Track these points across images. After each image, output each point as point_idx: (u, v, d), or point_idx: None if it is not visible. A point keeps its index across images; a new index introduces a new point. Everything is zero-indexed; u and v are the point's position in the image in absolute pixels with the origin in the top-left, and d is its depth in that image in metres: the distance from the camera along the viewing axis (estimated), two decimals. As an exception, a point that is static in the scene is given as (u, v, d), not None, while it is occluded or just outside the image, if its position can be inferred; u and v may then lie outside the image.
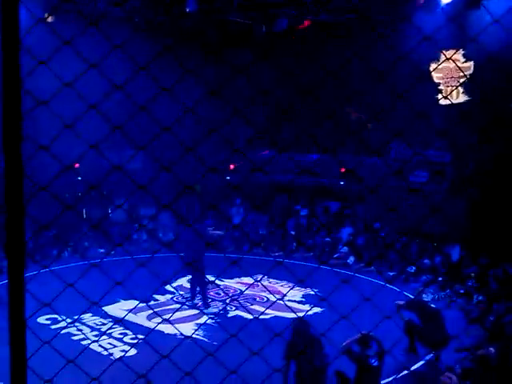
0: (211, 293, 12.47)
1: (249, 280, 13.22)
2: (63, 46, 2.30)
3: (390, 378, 8.14)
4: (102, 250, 15.42)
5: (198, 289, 11.64)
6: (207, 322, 10.60)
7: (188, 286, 12.86)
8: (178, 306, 11.52)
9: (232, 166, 18.69)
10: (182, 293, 12.33)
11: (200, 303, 11.69)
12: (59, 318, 10.07)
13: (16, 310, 1.75)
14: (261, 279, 12.93)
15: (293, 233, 17.24)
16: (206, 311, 11.27)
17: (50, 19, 14.61)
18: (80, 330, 9.96)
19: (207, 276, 11.75)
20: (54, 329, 9.89)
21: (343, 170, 17.55)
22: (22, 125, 1.73)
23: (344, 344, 7.46)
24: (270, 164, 17.05)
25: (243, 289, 12.82)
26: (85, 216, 17.15)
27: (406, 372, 8.50)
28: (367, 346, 7.47)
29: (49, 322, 10.24)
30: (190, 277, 12.07)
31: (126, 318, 10.20)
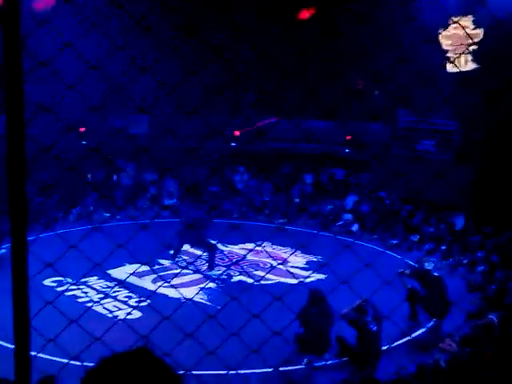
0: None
1: (253, 246, 13.29)
2: (64, 6, 2.27)
3: (392, 345, 8.23)
4: (107, 215, 15.48)
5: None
6: (211, 286, 10.71)
7: (193, 251, 12.94)
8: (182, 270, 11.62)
9: (237, 133, 18.57)
10: (186, 257, 12.41)
11: (204, 268, 11.79)
12: (65, 281, 10.16)
13: (18, 269, 1.76)
14: (262, 244, 12.96)
15: (297, 200, 17.25)
16: (209, 274, 11.42)
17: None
18: (85, 293, 10.07)
19: (211, 241, 11.82)
20: (60, 291, 10.00)
21: (349, 137, 17.45)
22: (23, 84, 1.72)
23: (343, 312, 7.67)
24: (274, 131, 16.94)
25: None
26: (90, 180, 17.18)
27: (407, 339, 8.59)
28: (364, 313, 7.64)
29: (55, 284, 10.35)
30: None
31: (131, 281, 10.30)
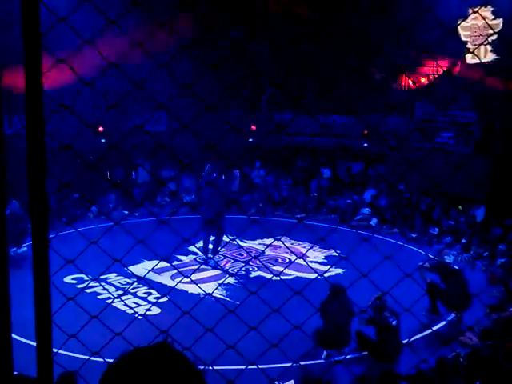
0: (233, 254, 12.58)
1: (271, 241, 13.28)
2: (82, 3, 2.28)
3: (412, 338, 8.18)
4: (126, 212, 15.58)
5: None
6: (229, 281, 10.73)
7: (211, 246, 12.96)
8: (201, 266, 11.65)
9: (254, 127, 18.56)
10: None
11: (223, 263, 11.83)
12: (85, 278, 10.24)
13: (40, 267, 1.78)
14: (281, 238, 12.92)
15: (315, 194, 17.20)
16: (225, 269, 11.45)
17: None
18: (106, 290, 10.15)
19: (229, 237, 11.83)
20: (80, 288, 10.08)
21: (366, 132, 17.34)
22: (42, 82, 1.72)
23: (360, 312, 7.59)
24: (292, 125, 16.90)
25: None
26: (109, 178, 17.29)
27: (427, 332, 8.54)
28: (382, 308, 7.61)
29: (75, 281, 10.44)
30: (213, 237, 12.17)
31: (150, 277, 10.36)
